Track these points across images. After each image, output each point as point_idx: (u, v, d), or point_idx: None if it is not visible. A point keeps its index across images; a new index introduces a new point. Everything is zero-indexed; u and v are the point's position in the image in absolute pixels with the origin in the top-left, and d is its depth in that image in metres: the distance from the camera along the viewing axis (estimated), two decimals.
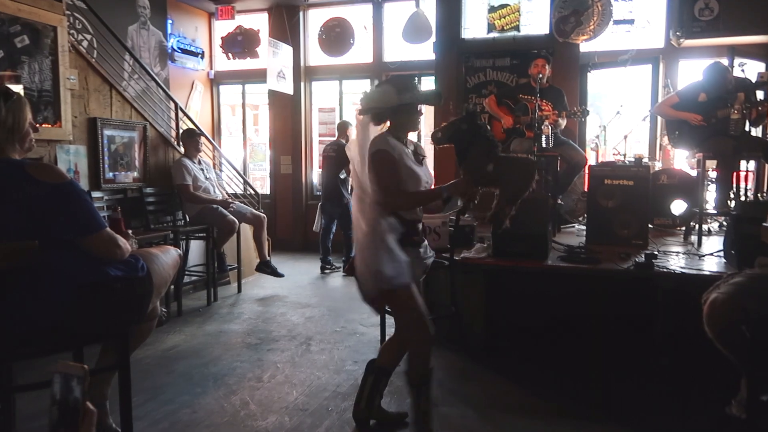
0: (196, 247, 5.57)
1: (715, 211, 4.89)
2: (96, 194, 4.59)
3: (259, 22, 8.30)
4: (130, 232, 2.32)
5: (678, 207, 5.28)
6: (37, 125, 4.25)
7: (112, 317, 2.00)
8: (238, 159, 8.71)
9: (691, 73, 6.45)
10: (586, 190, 5.89)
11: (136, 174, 5.17)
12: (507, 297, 4.11)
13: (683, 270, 3.57)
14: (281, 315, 4.77)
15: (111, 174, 4.90)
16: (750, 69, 5.01)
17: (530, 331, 3.99)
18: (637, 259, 3.73)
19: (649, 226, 4.63)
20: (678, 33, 6.17)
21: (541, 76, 5.01)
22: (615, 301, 3.91)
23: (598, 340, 3.82)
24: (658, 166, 6.03)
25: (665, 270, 3.55)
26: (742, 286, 2.29)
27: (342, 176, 6.47)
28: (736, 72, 4.77)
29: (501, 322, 4.02)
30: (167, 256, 2.31)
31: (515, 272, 3.96)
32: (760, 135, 5.35)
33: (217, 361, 3.66)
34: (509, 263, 3.87)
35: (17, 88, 4.21)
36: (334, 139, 6.94)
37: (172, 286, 4.87)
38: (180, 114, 6.18)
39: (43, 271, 1.85)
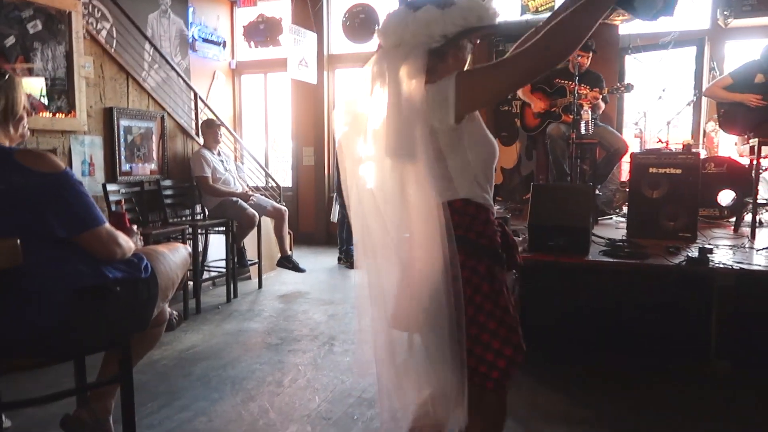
0: (216, 242, 5.40)
1: None
2: (112, 187, 4.42)
3: (281, 10, 8.08)
4: (134, 227, 2.10)
5: (726, 197, 4.94)
6: (52, 114, 4.15)
7: (113, 324, 1.79)
8: (259, 150, 8.53)
9: (740, 54, 6.04)
10: (623, 179, 5.56)
11: (153, 166, 5.00)
12: (544, 294, 3.83)
13: (741, 265, 3.25)
14: (303, 312, 4.56)
15: (128, 166, 4.74)
16: None
17: (570, 332, 3.70)
18: (689, 254, 3.41)
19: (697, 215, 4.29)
20: (726, 12, 5.76)
21: (580, 60, 4.68)
22: (664, 299, 3.60)
23: (646, 341, 3.52)
24: (702, 153, 5.66)
25: (722, 266, 3.23)
26: None
27: None
28: None
29: (538, 322, 3.74)
30: (176, 254, 2.09)
31: (553, 268, 3.67)
32: None
33: (235, 363, 3.46)
34: (547, 258, 3.59)
35: (36, 83, 4.07)
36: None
37: (191, 283, 4.71)
38: (201, 104, 6.01)
39: (32, 274, 1.64)
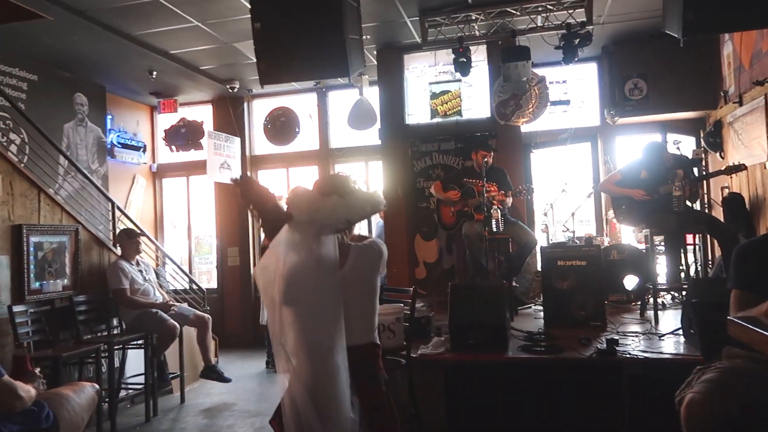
0: (134, 356, 5.15)
1: (668, 286, 4.90)
2: (18, 308, 4.19)
3: (203, 114, 8.23)
4: (37, 370, 2.02)
5: (630, 282, 5.26)
6: None
7: None
8: (183, 253, 8.37)
9: (629, 148, 6.69)
10: (539, 269, 5.85)
11: (66, 281, 4.81)
12: (469, 392, 3.88)
13: (646, 354, 3.46)
14: (228, 428, 4.37)
15: (37, 284, 4.53)
16: (684, 146, 5.19)
17: (496, 429, 3.74)
18: (598, 345, 3.60)
19: (605, 302, 4.56)
20: (612, 112, 6.41)
21: (486, 160, 5.04)
22: (582, 390, 3.74)
23: (570, 429, 3.60)
24: (606, 241, 6.08)
25: (628, 356, 3.43)
26: (718, 383, 2.17)
27: None
28: (673, 149, 4.92)
29: (465, 421, 3.77)
30: (81, 396, 2.01)
31: (475, 366, 3.76)
32: (700, 209, 5.48)
33: None
34: (468, 357, 3.68)
35: None
36: None
37: (105, 403, 4.44)
38: (119, 213, 5.90)
39: None
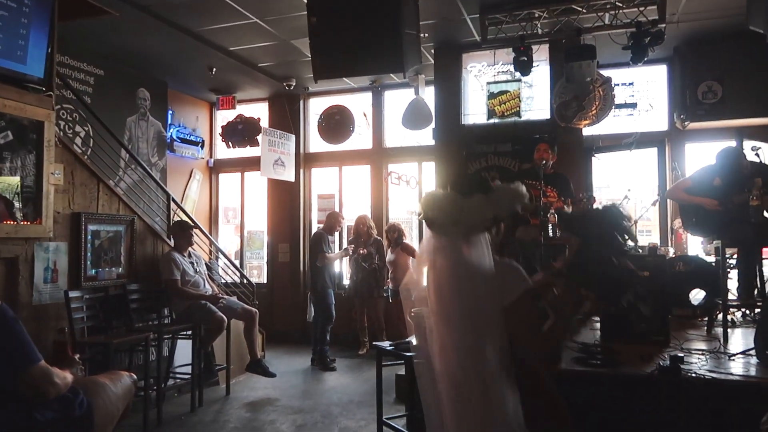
0: (184, 346, 5.21)
1: (739, 303, 4.55)
2: (74, 293, 4.30)
3: (259, 111, 8.32)
4: (77, 357, 2.01)
5: (697, 296, 4.94)
6: (18, 222, 4.11)
7: None
8: (235, 247, 8.50)
9: (699, 155, 6.30)
10: None
11: (120, 270, 4.91)
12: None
13: (714, 375, 3.19)
14: (270, 423, 4.34)
15: (93, 271, 4.65)
16: (764, 152, 4.81)
17: None
18: (661, 362, 3.35)
19: (669, 316, 4.27)
20: (682, 116, 6.05)
21: (545, 161, 4.83)
22: (640, 409, 3.50)
23: None
24: (671, 251, 5.74)
25: (694, 375, 3.17)
26: None
27: (318, 264, 6.34)
28: (751, 156, 4.56)
29: None
30: (118, 385, 1.98)
31: None
32: None
33: None
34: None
35: (12, 182, 4.04)
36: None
37: (153, 391, 4.51)
38: (174, 206, 6.01)
39: None
